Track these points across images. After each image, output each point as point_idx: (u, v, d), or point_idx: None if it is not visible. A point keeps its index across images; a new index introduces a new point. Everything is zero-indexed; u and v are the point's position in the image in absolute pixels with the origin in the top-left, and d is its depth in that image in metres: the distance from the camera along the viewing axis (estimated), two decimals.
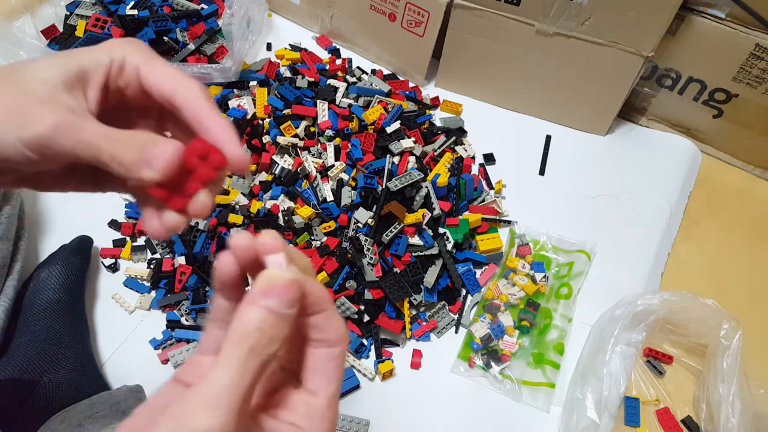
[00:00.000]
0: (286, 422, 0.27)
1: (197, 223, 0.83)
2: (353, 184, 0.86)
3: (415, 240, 0.84)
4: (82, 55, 0.30)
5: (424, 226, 0.86)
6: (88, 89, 0.30)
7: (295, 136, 0.92)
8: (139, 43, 0.32)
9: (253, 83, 1.01)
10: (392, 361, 0.78)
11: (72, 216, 0.87)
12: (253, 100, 0.97)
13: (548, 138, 1.06)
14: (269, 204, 0.84)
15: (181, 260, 0.82)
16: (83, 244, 0.81)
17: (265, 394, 0.28)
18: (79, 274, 0.78)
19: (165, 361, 0.76)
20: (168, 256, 0.84)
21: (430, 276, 0.81)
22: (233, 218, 0.82)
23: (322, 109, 0.95)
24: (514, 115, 1.09)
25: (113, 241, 0.86)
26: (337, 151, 0.91)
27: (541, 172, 1.02)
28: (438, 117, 1.06)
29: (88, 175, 0.34)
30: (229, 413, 0.23)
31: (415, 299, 0.80)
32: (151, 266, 0.83)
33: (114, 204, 0.89)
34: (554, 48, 0.97)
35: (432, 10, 0.99)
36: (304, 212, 0.82)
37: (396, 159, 0.91)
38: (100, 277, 0.83)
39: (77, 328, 0.74)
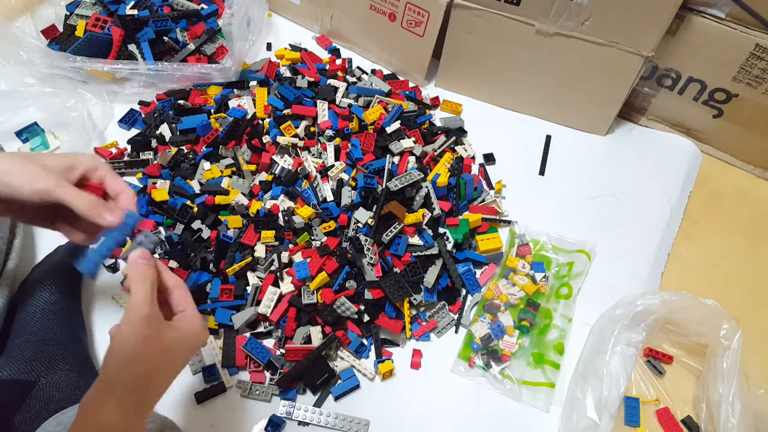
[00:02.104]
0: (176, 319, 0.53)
1: (200, 229, 0.84)
2: (353, 184, 0.86)
3: (415, 240, 0.84)
4: (77, 158, 0.56)
5: (424, 226, 0.86)
6: (74, 172, 0.55)
7: (295, 136, 0.92)
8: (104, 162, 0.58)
9: (253, 83, 1.01)
10: (392, 361, 0.78)
11: None
12: (253, 100, 0.97)
13: (548, 138, 1.06)
14: (269, 204, 0.84)
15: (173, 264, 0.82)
16: (78, 247, 0.81)
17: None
18: (75, 275, 0.78)
19: None
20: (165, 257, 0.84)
21: (430, 276, 0.81)
22: (232, 223, 0.82)
23: (322, 109, 0.95)
24: (514, 115, 1.09)
25: None
26: (337, 151, 0.91)
27: (541, 172, 1.02)
28: (438, 117, 1.06)
29: (48, 216, 0.59)
30: (150, 305, 0.50)
31: (415, 299, 0.80)
32: None
33: None
34: (554, 48, 0.97)
35: (432, 10, 0.99)
36: (304, 212, 0.82)
37: (396, 159, 0.91)
38: (98, 278, 0.83)
39: (74, 329, 0.74)
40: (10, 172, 0.52)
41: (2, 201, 0.53)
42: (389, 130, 0.93)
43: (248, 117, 0.94)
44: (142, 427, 0.50)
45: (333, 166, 0.88)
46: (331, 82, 1.02)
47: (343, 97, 0.99)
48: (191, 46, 1.02)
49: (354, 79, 1.07)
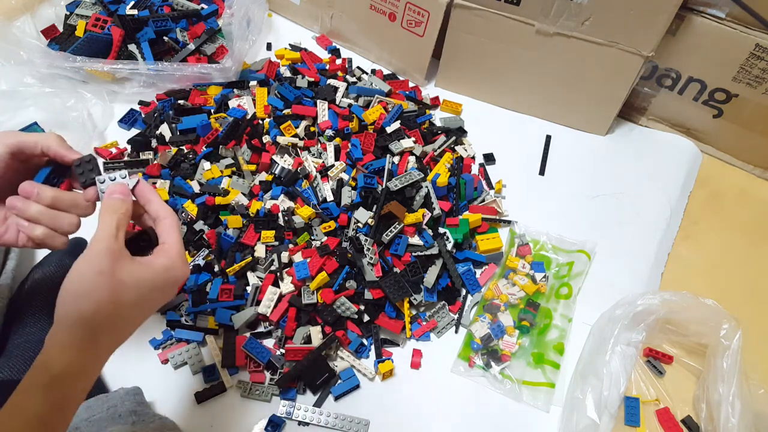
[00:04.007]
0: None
1: (202, 231, 0.84)
2: (353, 184, 0.86)
3: (415, 240, 0.84)
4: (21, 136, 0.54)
5: (424, 226, 0.86)
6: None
7: (295, 136, 0.92)
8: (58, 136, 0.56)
9: (253, 83, 1.01)
10: (392, 361, 0.78)
11: None
12: (253, 100, 0.97)
13: (548, 138, 1.06)
14: (269, 204, 0.84)
15: None
16: (77, 246, 0.81)
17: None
18: None
19: (165, 361, 0.76)
20: None
21: (430, 276, 0.81)
22: (232, 222, 0.82)
23: (322, 109, 0.95)
24: (514, 115, 1.09)
25: None
26: (337, 151, 0.91)
27: (541, 172, 1.02)
28: (438, 117, 1.06)
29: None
30: (111, 240, 0.48)
31: (415, 299, 0.80)
32: None
33: None
34: (554, 48, 0.97)
35: (432, 10, 0.99)
36: (304, 212, 0.82)
37: (396, 159, 0.91)
38: None
39: None
40: None
41: None
42: (389, 130, 0.93)
43: (248, 117, 0.94)
44: (97, 367, 0.48)
45: (333, 166, 0.88)
46: (331, 82, 1.02)
47: (343, 97, 0.99)
48: (191, 46, 1.02)
49: (354, 79, 1.07)
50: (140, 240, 0.53)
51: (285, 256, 0.80)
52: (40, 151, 0.54)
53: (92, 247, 0.48)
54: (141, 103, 1.02)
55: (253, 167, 0.89)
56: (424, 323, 0.82)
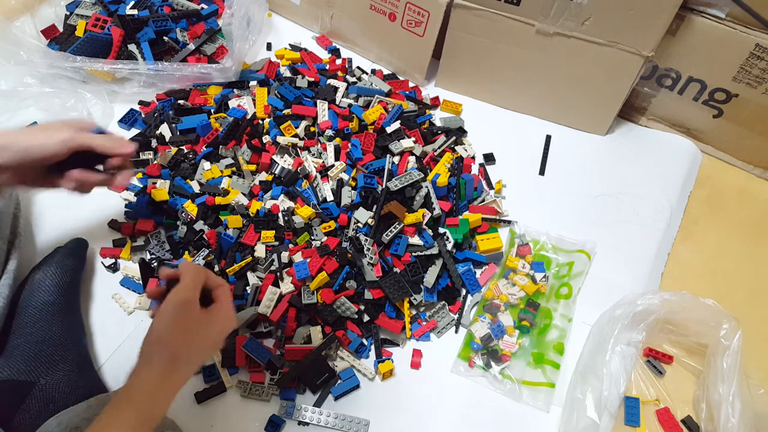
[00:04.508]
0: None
1: (202, 231, 0.84)
2: (353, 184, 0.86)
3: (415, 240, 0.84)
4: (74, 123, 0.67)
5: (424, 226, 0.86)
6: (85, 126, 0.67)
7: (295, 136, 0.92)
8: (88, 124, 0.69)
9: (253, 83, 1.01)
10: (392, 361, 0.78)
11: (69, 218, 0.87)
12: (253, 100, 0.97)
13: (548, 138, 1.06)
14: (269, 204, 0.84)
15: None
16: (78, 246, 0.81)
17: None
18: (74, 276, 0.78)
19: None
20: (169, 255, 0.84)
21: (430, 276, 0.81)
22: (232, 222, 0.82)
23: (322, 109, 0.95)
24: (514, 115, 1.09)
25: (113, 241, 0.86)
26: (337, 151, 0.91)
27: (541, 172, 1.02)
28: (438, 117, 1.06)
29: (50, 179, 0.67)
30: (190, 292, 0.57)
31: (415, 299, 0.80)
32: (153, 265, 0.83)
33: (112, 206, 0.89)
34: (554, 48, 0.97)
35: (432, 10, 0.99)
36: (304, 212, 0.82)
37: (396, 159, 0.91)
38: (98, 279, 0.83)
39: (73, 330, 0.74)
40: (26, 137, 0.62)
41: (14, 168, 0.63)
42: (389, 130, 0.93)
43: (248, 117, 0.94)
44: (174, 391, 0.55)
45: (333, 166, 0.88)
46: (331, 82, 1.02)
47: (343, 97, 0.99)
48: (191, 46, 1.02)
49: (354, 79, 1.07)
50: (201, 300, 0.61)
51: (285, 256, 0.80)
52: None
53: (173, 296, 0.57)
54: (141, 103, 1.02)
55: (253, 167, 0.89)
56: (424, 323, 0.82)
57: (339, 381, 0.76)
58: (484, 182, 0.98)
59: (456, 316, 0.83)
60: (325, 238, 0.82)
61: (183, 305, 0.57)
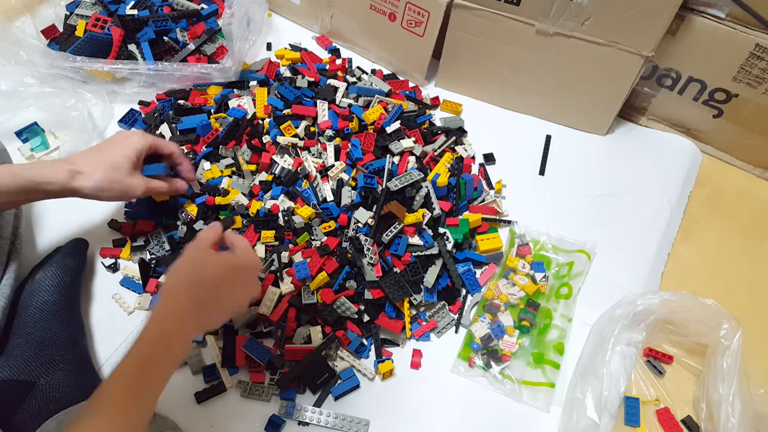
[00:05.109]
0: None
1: (201, 230, 0.84)
2: (353, 184, 0.86)
3: (415, 240, 0.84)
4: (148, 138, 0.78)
5: (424, 226, 0.86)
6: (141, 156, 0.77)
7: (295, 136, 0.92)
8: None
9: (253, 83, 1.01)
10: (392, 361, 0.78)
11: (70, 218, 0.87)
12: (253, 100, 0.97)
13: (548, 138, 1.06)
14: (269, 204, 0.84)
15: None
16: (78, 246, 0.81)
17: None
18: (74, 276, 0.78)
19: None
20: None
21: (430, 276, 0.81)
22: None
23: (322, 109, 0.95)
24: (514, 115, 1.09)
25: (113, 241, 0.86)
26: (337, 151, 0.91)
27: (541, 172, 1.02)
28: (438, 117, 1.06)
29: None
30: (203, 240, 0.64)
31: (415, 299, 0.80)
32: (152, 264, 0.83)
33: (112, 206, 0.89)
34: (554, 48, 0.97)
35: (432, 10, 0.99)
36: (304, 212, 0.82)
37: (396, 159, 0.91)
38: (98, 279, 0.83)
39: (73, 330, 0.74)
40: (127, 179, 0.73)
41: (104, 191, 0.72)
42: (389, 130, 0.93)
43: (248, 117, 0.94)
44: (182, 343, 0.58)
45: (333, 166, 0.88)
46: (331, 82, 1.02)
47: (343, 97, 0.99)
48: (191, 46, 1.02)
49: (354, 79, 1.07)
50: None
51: (285, 256, 0.80)
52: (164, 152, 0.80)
53: (197, 242, 0.63)
54: (141, 103, 1.02)
55: (253, 167, 0.89)
56: (424, 323, 0.82)
57: (339, 381, 0.76)
58: (484, 182, 0.98)
59: (456, 316, 0.83)
60: (325, 238, 0.82)
61: (191, 250, 0.62)
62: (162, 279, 0.82)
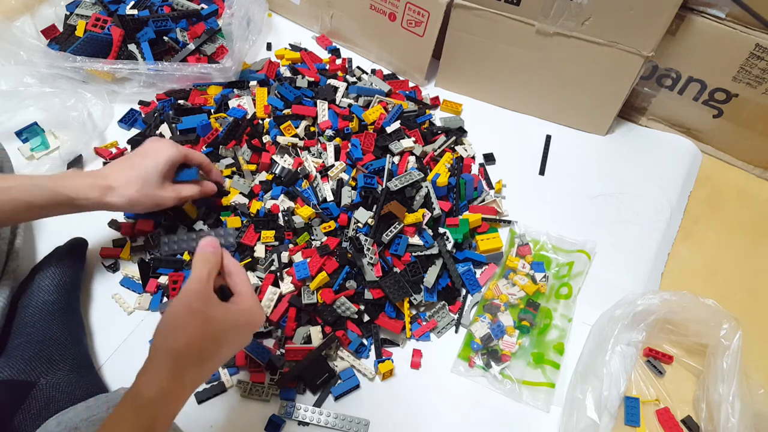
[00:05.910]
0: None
1: (202, 230, 0.83)
2: (353, 184, 0.86)
3: (415, 240, 0.84)
4: (177, 149, 0.76)
5: (424, 226, 0.86)
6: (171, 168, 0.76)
7: (295, 136, 0.92)
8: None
9: (253, 83, 1.01)
10: (392, 361, 0.78)
11: (69, 218, 0.86)
12: (253, 100, 0.97)
13: (548, 138, 1.06)
14: (269, 204, 0.84)
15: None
16: (78, 246, 0.81)
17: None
18: (74, 276, 0.78)
19: None
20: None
21: (430, 276, 0.81)
22: (232, 223, 0.82)
23: (322, 109, 0.95)
24: (514, 115, 1.09)
25: (113, 241, 0.86)
26: (337, 151, 0.91)
27: (541, 172, 1.02)
28: (438, 117, 1.06)
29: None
30: (202, 283, 0.55)
31: (415, 299, 0.80)
32: (152, 266, 0.83)
33: None
34: (554, 48, 0.97)
35: (432, 10, 0.99)
36: (304, 212, 0.82)
37: (396, 159, 0.91)
38: (98, 279, 0.83)
39: (73, 330, 0.74)
40: (159, 192, 0.73)
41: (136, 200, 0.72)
42: (389, 130, 0.93)
43: (248, 117, 0.94)
44: (183, 397, 0.53)
45: (333, 166, 0.88)
46: (331, 82, 1.02)
47: (343, 97, 0.99)
48: (191, 46, 1.02)
49: (354, 79, 1.07)
50: (218, 292, 0.58)
51: (285, 256, 0.80)
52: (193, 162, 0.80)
53: (185, 288, 0.54)
54: (141, 103, 1.02)
55: (253, 167, 0.89)
56: (424, 323, 0.82)
57: (339, 381, 0.76)
58: (484, 182, 0.98)
59: (456, 316, 0.83)
60: (325, 238, 0.82)
61: (194, 297, 0.53)
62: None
